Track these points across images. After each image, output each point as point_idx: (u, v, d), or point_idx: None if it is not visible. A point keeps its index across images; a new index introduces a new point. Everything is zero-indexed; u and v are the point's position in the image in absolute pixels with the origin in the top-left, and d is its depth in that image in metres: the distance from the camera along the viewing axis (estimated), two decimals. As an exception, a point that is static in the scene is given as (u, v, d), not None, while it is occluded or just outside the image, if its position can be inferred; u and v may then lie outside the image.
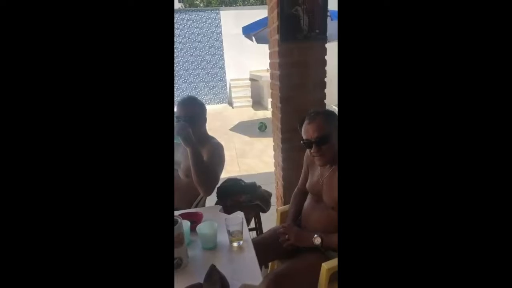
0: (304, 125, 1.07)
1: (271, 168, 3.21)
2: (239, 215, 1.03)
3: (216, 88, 8.04)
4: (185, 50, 7.61)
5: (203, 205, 1.45)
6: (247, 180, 1.56)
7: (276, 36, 1.42)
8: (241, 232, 0.96)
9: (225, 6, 10.06)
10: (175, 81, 7.81)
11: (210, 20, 7.50)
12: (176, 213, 0.88)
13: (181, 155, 1.38)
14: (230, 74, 7.94)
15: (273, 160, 1.91)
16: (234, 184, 1.50)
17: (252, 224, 1.54)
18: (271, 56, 1.59)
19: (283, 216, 1.36)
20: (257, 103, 7.73)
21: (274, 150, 1.78)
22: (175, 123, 1.32)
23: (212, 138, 1.43)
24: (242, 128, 5.37)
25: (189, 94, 8.19)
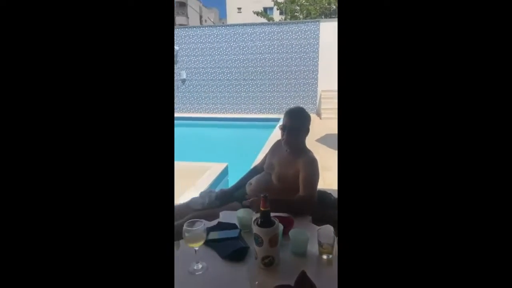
0: None
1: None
2: (331, 228, 1.03)
3: (307, 98, 8.08)
4: (281, 60, 7.91)
5: (290, 212, 1.50)
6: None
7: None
8: (332, 246, 0.96)
9: (325, 17, 10.03)
10: (265, 89, 8.18)
11: (309, 32, 7.61)
12: (272, 214, 0.95)
13: (276, 160, 1.47)
14: (322, 85, 7.88)
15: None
16: (324, 198, 1.50)
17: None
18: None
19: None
20: (347, 117, 7.45)
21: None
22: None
23: (309, 151, 1.47)
24: (329, 140, 5.24)
25: (281, 102, 8.31)
